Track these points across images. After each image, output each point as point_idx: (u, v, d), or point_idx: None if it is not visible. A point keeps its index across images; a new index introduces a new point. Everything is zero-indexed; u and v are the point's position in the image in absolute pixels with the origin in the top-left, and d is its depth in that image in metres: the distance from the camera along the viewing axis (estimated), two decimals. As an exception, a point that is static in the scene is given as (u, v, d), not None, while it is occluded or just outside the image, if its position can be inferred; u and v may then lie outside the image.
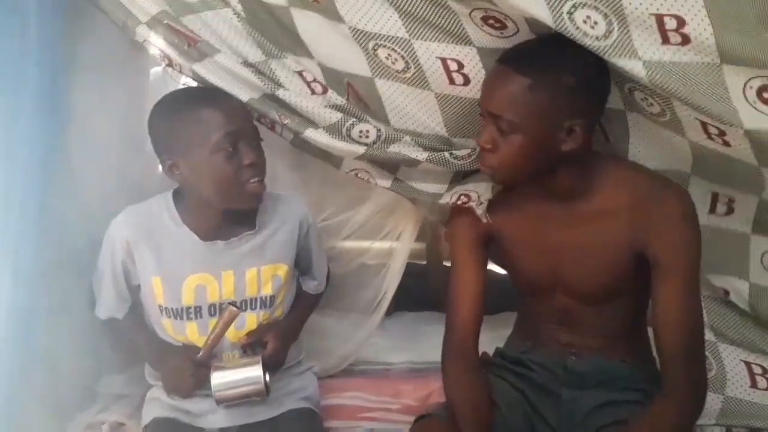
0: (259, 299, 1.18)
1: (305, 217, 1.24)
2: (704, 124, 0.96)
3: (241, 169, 1.07)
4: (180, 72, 1.22)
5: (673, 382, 0.99)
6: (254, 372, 1.10)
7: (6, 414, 1.06)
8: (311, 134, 1.17)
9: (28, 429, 1.15)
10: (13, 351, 1.07)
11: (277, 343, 1.16)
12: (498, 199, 1.15)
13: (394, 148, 1.18)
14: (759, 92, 0.86)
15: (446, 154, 1.17)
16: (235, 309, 1.08)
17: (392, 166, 1.24)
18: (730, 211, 1.11)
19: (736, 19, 0.82)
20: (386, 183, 1.26)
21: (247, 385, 1.10)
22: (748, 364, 1.23)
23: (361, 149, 1.18)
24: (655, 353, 1.10)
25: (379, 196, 1.39)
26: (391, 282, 1.48)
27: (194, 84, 1.22)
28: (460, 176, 1.24)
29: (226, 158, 1.06)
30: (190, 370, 1.10)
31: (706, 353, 1.23)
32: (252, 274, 1.16)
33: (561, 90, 0.93)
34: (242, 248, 1.16)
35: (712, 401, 1.24)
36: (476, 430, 1.01)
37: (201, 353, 1.11)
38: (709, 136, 0.98)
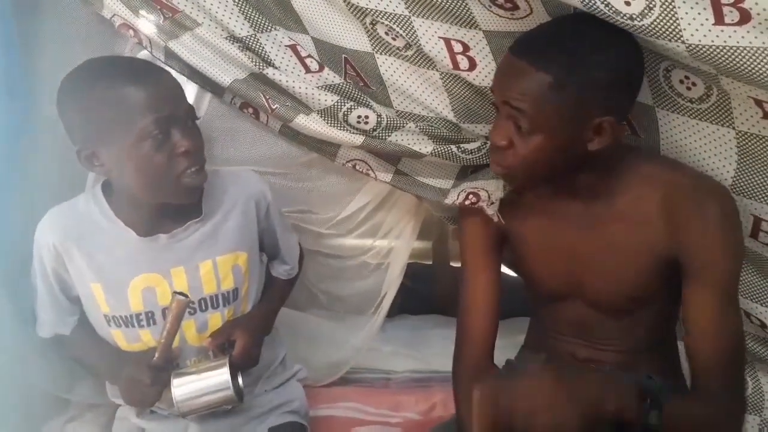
0: (220, 296, 1.05)
1: (261, 195, 1.09)
2: (759, 103, 0.83)
3: (174, 159, 0.93)
4: (150, 52, 1.10)
5: (711, 389, 0.88)
6: (221, 376, 0.98)
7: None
8: (302, 121, 1.06)
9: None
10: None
11: (247, 339, 1.03)
12: (511, 197, 1.04)
13: (395, 138, 1.07)
14: None
15: (453, 147, 1.06)
16: (182, 298, 0.95)
17: (394, 157, 1.13)
18: None
19: None
20: (387, 177, 1.16)
21: (214, 392, 0.98)
22: (787, 384, 1.11)
23: (359, 138, 1.07)
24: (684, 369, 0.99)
25: (372, 187, 1.27)
26: (391, 283, 1.39)
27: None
28: (468, 170, 1.12)
29: (155, 147, 0.91)
30: (148, 378, 0.97)
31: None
32: (207, 267, 1.03)
33: (589, 86, 0.81)
34: (189, 240, 1.02)
35: (749, 424, 1.13)
36: None
37: (156, 356, 0.97)
38: (766, 115, 0.85)
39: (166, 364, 0.99)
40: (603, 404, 0.78)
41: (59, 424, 1.19)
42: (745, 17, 0.73)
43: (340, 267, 1.42)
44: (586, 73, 0.81)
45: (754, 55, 0.74)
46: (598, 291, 0.97)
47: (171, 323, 0.96)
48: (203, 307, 1.04)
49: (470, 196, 1.07)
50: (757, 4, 0.71)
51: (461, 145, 1.07)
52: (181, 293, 0.96)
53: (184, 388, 0.98)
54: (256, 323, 1.08)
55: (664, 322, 1.00)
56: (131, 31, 1.08)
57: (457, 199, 1.09)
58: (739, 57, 0.75)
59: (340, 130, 1.06)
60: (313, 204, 1.31)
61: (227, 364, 0.99)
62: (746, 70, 0.76)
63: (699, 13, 0.75)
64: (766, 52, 0.74)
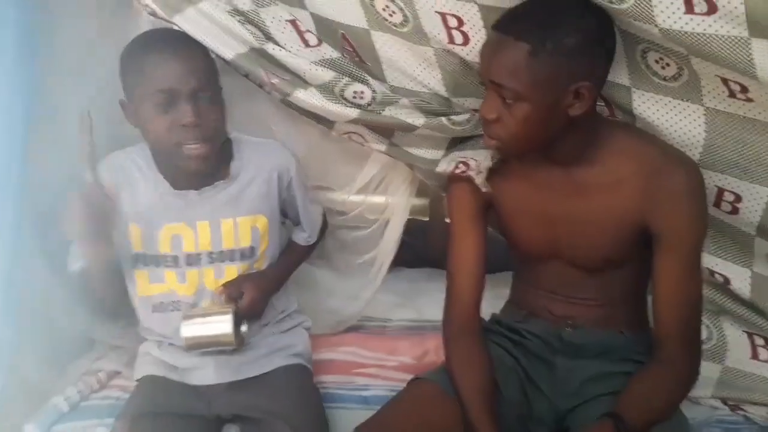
0: (238, 251, 1.16)
1: (285, 168, 1.19)
2: (725, 81, 0.91)
3: (174, 128, 1.02)
4: (166, 21, 1.15)
5: (670, 352, 0.98)
6: (224, 321, 1.08)
7: (2, 363, 1.08)
8: (301, 95, 1.11)
9: (24, 377, 1.17)
10: (7, 300, 1.07)
11: (254, 293, 1.13)
12: (496, 166, 1.11)
13: (389, 112, 1.12)
14: None
15: (444, 119, 1.11)
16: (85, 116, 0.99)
17: (387, 131, 1.19)
18: (734, 211, 1.05)
19: None
20: (381, 147, 1.21)
21: (216, 334, 1.09)
22: (750, 335, 1.21)
23: (355, 112, 1.12)
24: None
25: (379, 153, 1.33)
26: (390, 238, 1.45)
27: None
28: (458, 141, 1.18)
29: (158, 113, 1.02)
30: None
31: (707, 323, 1.22)
32: (228, 225, 1.14)
33: (564, 52, 0.87)
34: (216, 198, 1.13)
35: (710, 371, 1.22)
36: (483, 415, 0.99)
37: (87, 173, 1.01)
38: (731, 93, 0.92)
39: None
40: None
41: (86, 362, 1.30)
42: (712, 8, 0.79)
43: (345, 228, 1.49)
44: (560, 39, 0.86)
45: (719, 41, 0.81)
46: (577, 252, 1.04)
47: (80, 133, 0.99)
48: (222, 259, 1.14)
49: (460, 165, 1.12)
50: None
51: (451, 117, 1.12)
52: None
53: (190, 327, 1.09)
54: (267, 281, 1.19)
55: (636, 279, 1.08)
56: (145, 3, 1.12)
57: (448, 167, 1.15)
58: (707, 42, 0.82)
59: (337, 104, 1.11)
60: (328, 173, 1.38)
61: (231, 313, 1.09)
62: (713, 54, 0.83)
63: (672, 2, 0.81)
64: (729, 39, 0.80)
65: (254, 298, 1.14)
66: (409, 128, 1.13)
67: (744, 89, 0.90)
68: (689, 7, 0.80)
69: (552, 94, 0.89)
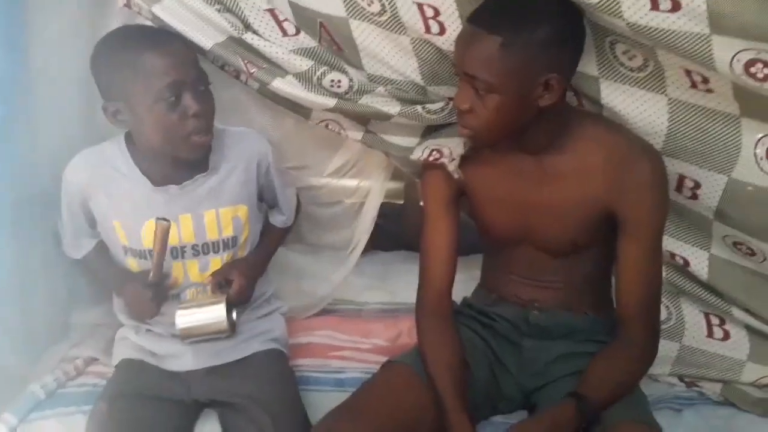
0: (221, 242, 1.17)
1: (263, 156, 1.20)
2: (688, 73, 0.95)
3: (185, 120, 1.04)
4: (139, 13, 1.14)
5: (630, 332, 1.04)
6: (218, 311, 1.11)
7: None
8: (279, 84, 1.12)
9: (0, 365, 1.17)
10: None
11: (242, 280, 1.16)
12: (470, 153, 1.13)
13: (366, 100, 1.14)
14: (746, 67, 0.84)
15: (419, 108, 1.13)
16: (164, 222, 1.06)
17: (363, 119, 1.21)
18: (694, 197, 1.11)
19: None
20: (357, 135, 1.23)
21: (211, 324, 1.11)
22: (706, 315, 1.27)
23: (332, 101, 1.13)
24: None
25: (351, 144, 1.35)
26: (365, 220, 1.47)
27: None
28: (432, 129, 1.21)
29: (168, 108, 1.02)
30: (148, 294, 1.11)
31: (667, 303, 1.28)
32: (210, 216, 1.15)
33: (535, 45, 0.90)
34: (197, 191, 1.14)
35: (669, 349, 1.29)
36: (453, 392, 1.03)
37: (151, 275, 1.11)
38: (693, 84, 0.97)
39: (160, 280, 1.12)
40: None
41: (63, 349, 1.30)
42: (675, 6, 0.82)
43: (320, 205, 1.51)
44: (531, 32, 0.90)
45: (682, 37, 0.84)
46: (545, 237, 1.09)
47: (158, 245, 1.08)
48: (206, 251, 1.16)
49: (434, 153, 1.15)
50: None
51: (426, 106, 1.14)
52: (164, 219, 1.07)
53: (185, 318, 1.11)
54: (252, 266, 1.21)
55: (600, 262, 1.13)
56: None
57: (422, 155, 1.17)
58: (671, 37, 0.86)
59: (314, 93, 1.12)
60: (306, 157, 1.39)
61: (224, 301, 1.11)
62: (676, 48, 0.87)
63: None
64: (692, 35, 0.84)
65: (242, 284, 1.16)
66: (385, 117, 1.15)
67: (705, 80, 0.94)
68: (654, 4, 0.84)
69: (523, 85, 0.92)
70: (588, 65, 1.04)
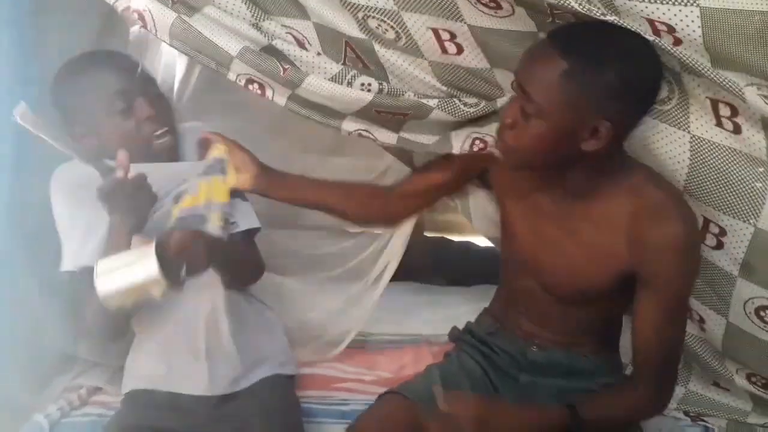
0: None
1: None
2: (715, 105, 0.90)
3: (140, 124, 1.08)
4: (155, 35, 1.16)
5: (642, 382, 1.00)
6: (146, 259, 0.91)
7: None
8: (313, 81, 1.06)
9: (6, 396, 1.18)
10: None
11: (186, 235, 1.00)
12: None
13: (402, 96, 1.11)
14: None
15: (456, 101, 1.09)
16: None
17: (396, 124, 1.16)
18: (719, 245, 1.03)
19: None
20: (392, 139, 1.18)
21: (137, 270, 0.92)
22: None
23: (369, 96, 1.09)
24: (622, 342, 1.13)
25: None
26: (396, 245, 1.41)
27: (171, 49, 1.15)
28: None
29: (123, 117, 1.07)
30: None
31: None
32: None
33: (597, 85, 0.84)
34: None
35: (675, 392, 1.25)
36: None
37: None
38: (719, 122, 0.91)
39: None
40: None
41: (67, 379, 1.30)
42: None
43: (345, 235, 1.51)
44: (600, 70, 0.83)
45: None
46: (555, 279, 1.04)
47: None
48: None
49: (476, 142, 1.10)
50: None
51: (462, 99, 1.09)
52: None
53: (106, 279, 0.92)
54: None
55: (609, 315, 1.08)
56: (135, 14, 1.07)
57: (464, 145, 1.10)
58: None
59: (348, 88, 1.08)
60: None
61: (152, 246, 0.93)
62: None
63: None
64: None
65: (184, 237, 1.00)
66: (424, 110, 1.10)
67: (734, 112, 0.89)
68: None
69: (570, 122, 0.87)
70: None
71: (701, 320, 1.14)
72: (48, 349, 1.27)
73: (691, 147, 0.96)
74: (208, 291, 1.14)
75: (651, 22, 0.84)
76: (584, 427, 0.97)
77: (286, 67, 1.06)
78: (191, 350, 1.16)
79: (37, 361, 1.25)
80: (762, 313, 1.05)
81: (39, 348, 1.25)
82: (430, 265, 1.81)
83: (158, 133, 1.09)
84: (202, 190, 1.05)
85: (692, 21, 0.81)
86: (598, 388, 1.07)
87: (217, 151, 1.10)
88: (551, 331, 1.10)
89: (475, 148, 1.11)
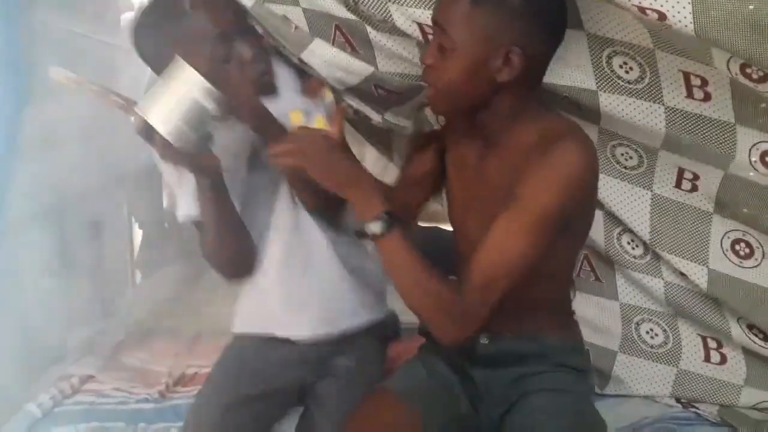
0: None
1: None
2: (687, 76, 0.97)
3: (243, 68, 1.02)
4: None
5: (465, 285, 0.88)
6: (179, 66, 0.88)
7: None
8: (320, 43, 1.11)
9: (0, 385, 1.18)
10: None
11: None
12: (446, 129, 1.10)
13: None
14: (742, 67, 0.85)
15: None
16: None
17: (383, 105, 1.21)
18: (694, 188, 1.11)
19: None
20: (378, 118, 1.23)
21: (178, 85, 0.88)
22: (703, 338, 1.26)
23: (371, 68, 1.13)
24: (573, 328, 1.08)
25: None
26: None
27: None
28: None
29: (223, 62, 1.01)
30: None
31: (664, 326, 1.27)
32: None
33: (502, 10, 0.87)
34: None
35: (666, 373, 1.28)
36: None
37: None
38: (690, 93, 0.98)
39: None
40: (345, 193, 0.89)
41: (60, 367, 1.31)
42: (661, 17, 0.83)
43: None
44: None
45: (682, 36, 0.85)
46: (476, 228, 0.94)
47: None
48: None
49: None
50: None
51: None
52: None
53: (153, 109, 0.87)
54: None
55: (547, 279, 0.97)
56: None
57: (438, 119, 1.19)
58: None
59: (353, 58, 1.12)
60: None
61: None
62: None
63: None
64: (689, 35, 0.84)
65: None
66: (417, 90, 1.16)
67: (704, 82, 0.95)
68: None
69: (482, 49, 0.88)
70: (587, 80, 1.05)
71: (684, 276, 1.18)
72: (41, 338, 1.28)
73: (666, 116, 1.03)
74: (315, 232, 1.13)
75: (642, 10, 0.84)
76: (381, 250, 0.89)
77: (294, 24, 1.09)
78: (295, 294, 1.13)
79: (29, 350, 1.26)
80: (737, 247, 1.11)
81: (30, 338, 1.25)
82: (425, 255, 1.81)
83: (260, 73, 1.03)
84: (319, 124, 1.01)
85: (683, 7, 0.82)
86: (549, 368, 1.00)
87: (329, 96, 1.08)
88: (498, 315, 0.93)
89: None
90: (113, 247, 1.54)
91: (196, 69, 0.89)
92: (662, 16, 0.83)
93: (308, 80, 1.14)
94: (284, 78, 1.12)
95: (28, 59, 1.12)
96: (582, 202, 0.93)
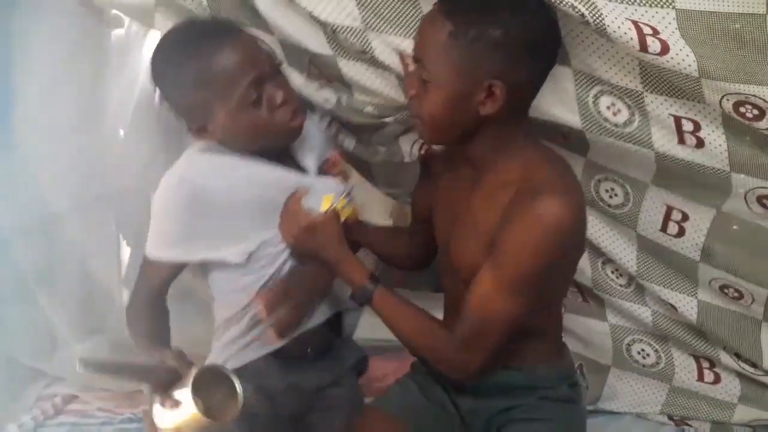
0: None
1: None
2: (678, 121, 0.93)
3: (274, 111, 0.95)
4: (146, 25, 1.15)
5: (455, 330, 0.89)
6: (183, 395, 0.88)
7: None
8: (286, 70, 1.08)
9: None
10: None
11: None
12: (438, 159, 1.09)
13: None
14: (735, 106, 0.85)
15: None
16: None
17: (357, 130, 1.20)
18: (681, 232, 1.07)
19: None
20: (351, 145, 1.21)
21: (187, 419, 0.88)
22: (696, 358, 1.26)
23: (334, 98, 1.13)
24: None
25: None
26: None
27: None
28: None
29: (256, 106, 0.94)
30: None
31: (656, 347, 1.27)
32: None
33: (482, 43, 0.82)
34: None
35: (658, 390, 1.28)
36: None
37: None
38: (681, 139, 0.94)
39: None
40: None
41: (41, 387, 1.29)
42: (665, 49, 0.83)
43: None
44: (483, 28, 0.81)
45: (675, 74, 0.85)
46: (461, 261, 0.95)
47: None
48: None
49: (424, 146, 1.16)
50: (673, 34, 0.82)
51: None
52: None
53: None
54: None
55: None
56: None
57: (412, 151, 1.17)
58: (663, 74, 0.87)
59: (317, 88, 1.12)
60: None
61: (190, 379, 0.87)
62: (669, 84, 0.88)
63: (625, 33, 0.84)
64: (684, 73, 0.84)
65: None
66: (379, 125, 1.16)
67: (697, 127, 0.93)
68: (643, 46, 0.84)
69: (463, 83, 0.84)
70: (572, 118, 1.01)
71: (674, 308, 1.16)
72: (21, 357, 1.26)
73: (656, 161, 0.99)
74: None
75: (635, 24, 0.84)
76: (374, 308, 0.95)
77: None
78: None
79: (10, 370, 1.24)
80: (726, 291, 1.10)
81: (12, 357, 1.23)
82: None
83: (292, 115, 0.96)
84: (326, 203, 1.02)
85: (669, 23, 0.82)
86: (535, 401, 0.98)
87: (354, 178, 1.10)
88: None
89: (422, 151, 1.16)
90: (100, 264, 1.52)
91: (225, 111, 0.93)
92: (655, 31, 0.83)
93: (328, 157, 1.10)
94: (310, 132, 1.07)
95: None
96: (571, 251, 0.93)
